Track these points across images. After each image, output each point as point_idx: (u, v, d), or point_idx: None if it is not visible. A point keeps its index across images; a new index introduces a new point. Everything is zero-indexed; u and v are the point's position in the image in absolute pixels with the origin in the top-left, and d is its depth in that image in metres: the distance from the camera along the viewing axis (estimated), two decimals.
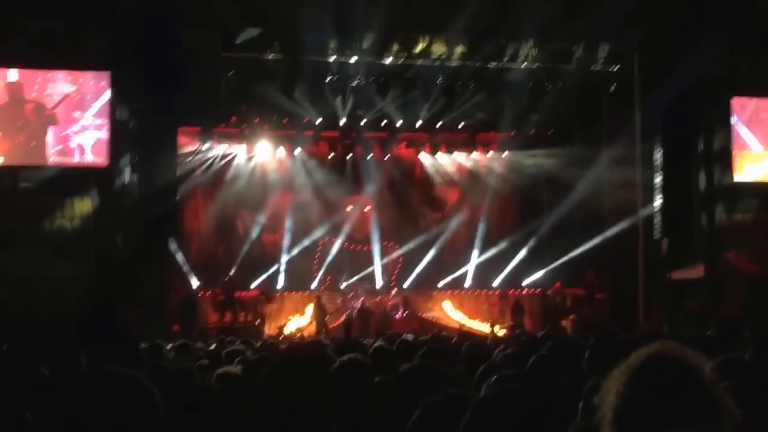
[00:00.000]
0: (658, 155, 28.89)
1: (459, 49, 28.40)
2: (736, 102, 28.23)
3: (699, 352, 2.99)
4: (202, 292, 28.77)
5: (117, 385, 2.99)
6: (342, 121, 30.48)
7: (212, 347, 13.53)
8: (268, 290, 29.57)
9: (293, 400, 4.26)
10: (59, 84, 24.99)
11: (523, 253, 31.78)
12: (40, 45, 24.10)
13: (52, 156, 24.76)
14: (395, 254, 32.17)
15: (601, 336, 6.22)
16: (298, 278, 31.01)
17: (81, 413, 2.89)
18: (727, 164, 28.28)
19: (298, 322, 28.64)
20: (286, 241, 31.08)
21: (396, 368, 7.20)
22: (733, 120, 28.11)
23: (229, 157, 30.95)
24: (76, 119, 24.86)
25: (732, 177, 28.19)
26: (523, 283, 31.99)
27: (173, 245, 27.97)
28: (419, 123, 30.97)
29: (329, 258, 31.48)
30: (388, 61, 28.37)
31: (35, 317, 19.72)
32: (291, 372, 4.39)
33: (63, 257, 24.00)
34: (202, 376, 7.21)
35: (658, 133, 28.51)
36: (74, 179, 24.99)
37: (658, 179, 28.97)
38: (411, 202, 33.11)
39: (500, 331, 26.24)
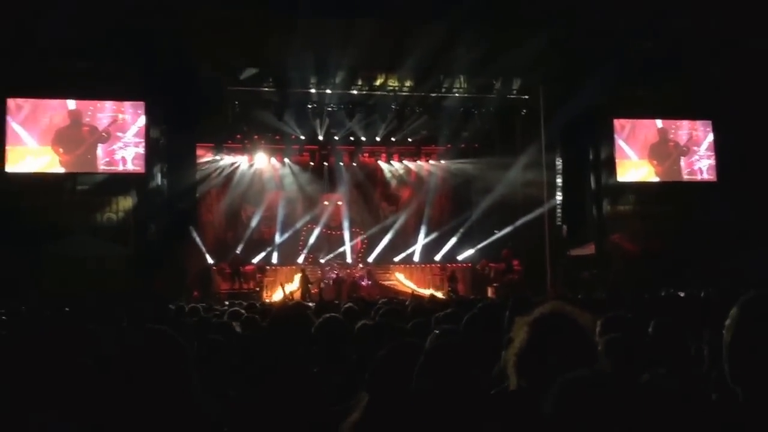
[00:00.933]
0: (558, 161, 29.15)
1: (408, 83, 28.71)
2: (617, 122, 28.54)
3: (582, 310, 3.06)
4: (215, 267, 28.75)
5: (153, 337, 3.01)
6: (320, 137, 30.57)
7: (225, 308, 13.10)
8: (263, 265, 29.71)
9: (283, 349, 4.51)
10: (107, 111, 25.01)
11: (457, 235, 31.83)
12: (90, 80, 24.07)
13: (102, 166, 24.80)
14: (361, 237, 32.31)
15: (517, 298, 6.00)
16: (288, 256, 31.01)
17: (126, 361, 2.91)
18: (611, 169, 28.56)
19: (289, 288, 28.69)
20: (278, 227, 31.15)
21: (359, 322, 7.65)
22: (615, 136, 28.45)
23: (235, 165, 31.05)
24: (120, 138, 24.82)
25: (615, 178, 28.49)
26: (458, 259, 31.99)
27: (193, 232, 28.14)
28: (378, 138, 31.12)
29: (311, 240, 31.56)
30: (355, 92, 28.61)
31: (89, 288, 20.14)
32: (280, 327, 4.69)
33: (110, 242, 24.30)
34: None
35: (559, 145, 28.61)
36: (118, 183, 24.99)
37: (559, 180, 29.26)
38: (373, 198, 33.20)
39: (440, 295, 26.62)
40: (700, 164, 29.15)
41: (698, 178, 29.07)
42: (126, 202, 25.21)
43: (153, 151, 25.57)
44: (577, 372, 2.20)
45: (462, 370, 2.93)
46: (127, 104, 25.21)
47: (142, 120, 25.14)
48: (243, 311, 9.72)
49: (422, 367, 2.97)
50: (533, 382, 2.86)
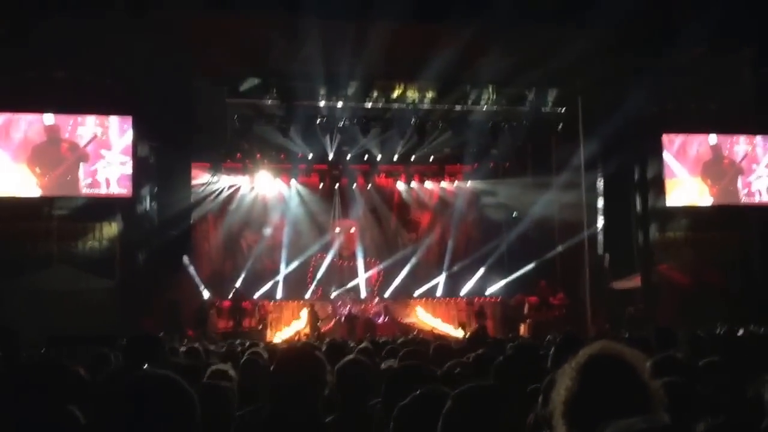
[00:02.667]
0: (600, 182, 29.00)
1: (429, 95, 28.70)
2: (666, 137, 28.42)
3: (636, 350, 3.04)
4: (212, 302, 28.54)
5: (155, 385, 2.87)
6: (330, 156, 30.60)
7: (223, 349, 13.14)
8: (266, 301, 29.69)
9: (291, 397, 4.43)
10: (89, 126, 24.82)
11: (485, 266, 31.79)
12: (70, 92, 23.95)
13: (84, 188, 24.52)
14: (377, 268, 32.22)
15: (566, 337, 6.19)
16: (294, 289, 30.89)
17: (130, 411, 2.78)
18: (659, 190, 28.25)
19: (295, 326, 28.70)
20: (283, 257, 30.97)
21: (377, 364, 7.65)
22: (664, 152, 28.18)
23: (234, 187, 31.03)
24: (103, 156, 24.63)
25: (664, 201, 28.17)
26: (486, 293, 31.94)
27: (187, 262, 27.98)
28: (396, 157, 31.19)
29: (320, 272, 31.48)
30: (369, 105, 28.59)
31: (69, 327, 20.06)
32: (287, 371, 4.63)
33: (92, 274, 24.03)
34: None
35: (600, 164, 28.38)
36: (102, 207, 24.80)
37: (600, 203, 29.13)
38: (390, 224, 33.16)
39: (464, 333, 26.55)
40: (759, 184, 28.96)
41: (756, 200, 28.86)
42: (111, 229, 25.09)
43: (141, 171, 25.40)
44: (630, 421, 2.18)
45: (493, 420, 2.95)
46: (112, 118, 25.04)
47: (129, 136, 24.89)
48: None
49: (448, 417, 2.96)
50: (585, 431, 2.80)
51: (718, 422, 2.96)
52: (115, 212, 25.20)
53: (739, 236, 28.07)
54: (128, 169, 24.90)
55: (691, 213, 28.79)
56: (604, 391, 2.83)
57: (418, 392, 3.56)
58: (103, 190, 24.86)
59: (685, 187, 28.48)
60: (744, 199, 28.87)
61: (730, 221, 28.30)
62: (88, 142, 24.70)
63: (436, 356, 7.52)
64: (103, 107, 24.84)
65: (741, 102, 27.81)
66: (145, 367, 5.48)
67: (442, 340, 15.79)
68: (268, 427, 4.17)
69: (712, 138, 28.84)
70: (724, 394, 4.74)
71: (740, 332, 15.25)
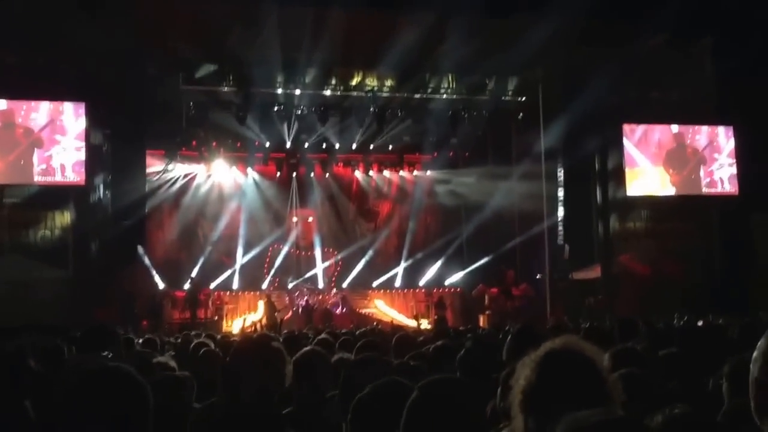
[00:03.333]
0: (560, 172, 29.18)
1: (388, 82, 28.72)
2: (627, 127, 28.66)
3: (595, 345, 3.06)
4: (167, 292, 28.51)
5: (111, 379, 2.86)
6: (288, 144, 30.59)
7: (179, 340, 13.26)
8: (222, 291, 29.68)
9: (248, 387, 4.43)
10: (43, 112, 24.79)
11: (444, 257, 31.91)
12: (23, 78, 23.79)
13: (37, 175, 24.48)
14: (334, 259, 32.21)
15: (521, 329, 5.96)
16: (251, 280, 30.91)
17: (82, 404, 2.77)
18: (619, 180, 28.63)
19: (252, 317, 28.60)
20: (239, 247, 30.97)
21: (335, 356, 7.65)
22: (624, 142, 28.50)
23: (190, 176, 30.93)
24: (58, 141, 24.59)
25: (624, 191, 28.55)
26: (446, 283, 32.09)
27: (142, 252, 27.81)
28: (354, 145, 31.10)
29: (277, 262, 31.48)
30: (328, 92, 28.56)
31: (20, 317, 19.84)
32: (244, 362, 4.75)
33: (45, 264, 23.99)
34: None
35: (560, 154, 28.61)
36: (55, 196, 24.74)
37: (560, 193, 29.29)
38: (348, 214, 33.19)
39: (425, 325, 26.65)
40: (721, 174, 29.26)
41: (718, 190, 29.17)
42: (63, 218, 25.06)
43: (95, 159, 25.40)
44: (585, 414, 2.20)
45: (460, 413, 2.95)
46: (66, 104, 24.96)
47: (82, 122, 24.89)
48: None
49: (412, 409, 2.97)
50: (541, 423, 2.84)
51: (676, 413, 3.01)
52: (68, 201, 25.17)
53: (700, 227, 28.41)
54: (82, 156, 24.86)
55: (652, 204, 29.23)
56: (562, 384, 2.87)
57: (377, 384, 3.54)
58: (57, 177, 24.84)
59: (647, 176, 28.88)
60: (706, 189, 29.19)
61: (690, 212, 28.68)
62: (42, 128, 24.57)
63: (397, 347, 7.49)
64: (56, 93, 24.69)
65: (702, 92, 28.08)
66: (99, 359, 5.44)
67: (401, 330, 15.82)
68: (225, 419, 4.15)
69: (675, 126, 29.10)
70: (684, 385, 4.76)
71: (699, 323, 15.43)
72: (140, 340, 11.46)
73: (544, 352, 2.97)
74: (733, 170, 29.22)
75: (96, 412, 2.74)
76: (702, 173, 29.28)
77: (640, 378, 4.26)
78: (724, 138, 29.50)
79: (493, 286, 29.79)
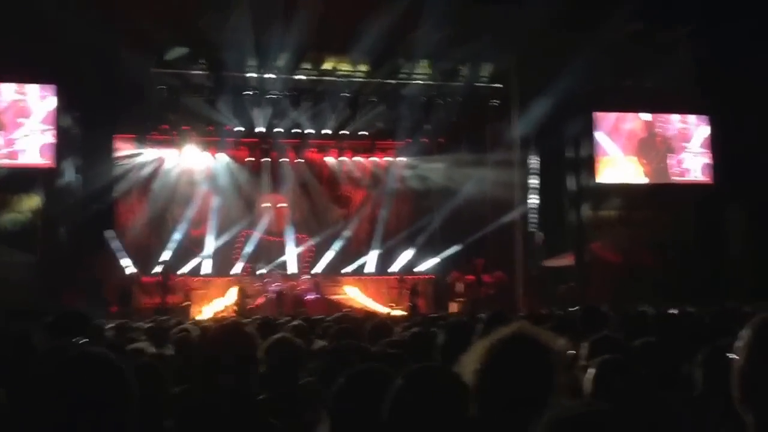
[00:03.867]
0: (533, 160, 29.24)
1: (362, 67, 28.78)
2: (599, 115, 28.81)
3: (550, 331, 3.14)
4: (136, 277, 28.51)
5: (87, 364, 2.81)
6: (259, 129, 30.38)
7: (149, 326, 13.43)
8: (191, 277, 29.77)
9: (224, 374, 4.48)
10: (5, 92, 24.65)
11: (417, 244, 31.92)
12: None
13: (2, 158, 24.42)
14: (306, 245, 32.16)
15: (493, 315, 6.28)
16: (222, 266, 30.89)
17: (60, 391, 2.72)
18: (591, 168, 28.74)
19: (223, 303, 28.65)
20: (210, 233, 30.91)
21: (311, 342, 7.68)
22: (596, 131, 28.72)
23: (160, 160, 30.75)
24: (22, 124, 24.57)
25: (595, 179, 28.80)
26: (417, 270, 32.15)
27: (110, 236, 27.80)
28: (327, 131, 31.06)
29: (248, 247, 31.41)
30: (301, 77, 28.58)
31: None
32: (220, 349, 4.82)
33: (11, 248, 23.91)
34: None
35: (533, 141, 28.65)
36: (23, 179, 24.59)
37: (533, 181, 29.37)
38: (320, 200, 33.04)
39: (397, 311, 26.78)
40: (690, 163, 29.44)
41: (686, 178, 29.35)
42: (31, 201, 24.91)
43: (64, 142, 25.24)
44: (569, 406, 2.22)
45: (443, 399, 2.96)
46: (30, 86, 24.71)
47: (50, 104, 24.72)
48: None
49: (397, 396, 2.98)
50: (488, 411, 2.92)
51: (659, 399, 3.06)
52: (36, 184, 25.03)
53: (673, 216, 28.55)
54: (49, 138, 24.70)
55: (625, 192, 29.33)
56: (509, 368, 2.93)
57: (356, 370, 3.57)
58: (22, 161, 24.47)
59: (619, 165, 29.05)
60: (675, 178, 29.32)
61: (663, 200, 28.83)
62: (5, 110, 24.27)
63: (373, 334, 7.48)
64: (24, 74, 24.49)
65: (678, 80, 28.18)
66: (75, 345, 5.42)
67: (374, 317, 15.84)
68: (202, 405, 4.18)
69: (646, 116, 29.25)
70: (658, 373, 4.81)
71: (674, 311, 15.57)
72: (108, 326, 11.34)
73: (495, 338, 3.04)
74: (705, 160, 29.42)
75: (75, 399, 2.70)
76: (670, 162, 29.43)
77: (619, 364, 4.31)
78: (696, 126, 29.67)
79: (468, 274, 29.86)
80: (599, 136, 28.57)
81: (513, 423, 2.71)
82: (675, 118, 29.66)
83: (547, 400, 2.75)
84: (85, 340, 5.96)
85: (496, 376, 2.93)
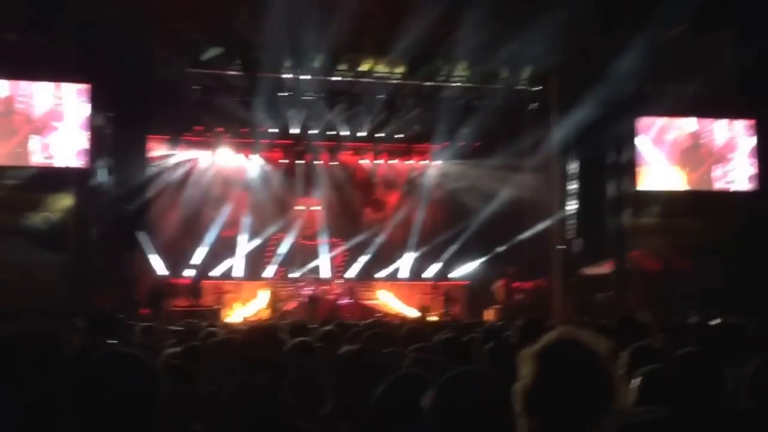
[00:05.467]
0: (572, 165, 29.01)
1: (399, 69, 28.60)
2: (642, 121, 28.54)
3: (593, 334, 3.04)
4: (167, 279, 28.62)
5: (118, 364, 2.87)
6: (294, 131, 30.52)
7: (181, 328, 12.71)
8: (223, 280, 29.88)
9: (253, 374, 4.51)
10: (44, 96, 24.81)
11: (452, 249, 31.84)
12: (25, 58, 23.74)
13: (38, 159, 24.44)
14: (340, 249, 32.26)
15: (527, 323, 6.44)
16: (254, 269, 31.00)
17: (91, 390, 2.78)
18: (632, 175, 28.35)
19: (255, 306, 28.72)
20: (243, 235, 31.03)
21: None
22: (639, 137, 28.38)
23: (193, 162, 31.03)
24: (58, 127, 24.72)
25: (636, 186, 28.42)
26: (452, 276, 32.10)
27: (143, 238, 27.81)
28: (362, 134, 31.15)
29: (281, 251, 31.48)
30: (336, 78, 28.58)
31: (18, 301, 19.89)
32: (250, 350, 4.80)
33: (43, 248, 24.00)
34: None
35: (573, 146, 28.44)
36: (56, 179, 24.58)
37: (572, 186, 29.14)
38: (354, 204, 33.09)
39: (431, 317, 26.71)
40: (738, 173, 29.07)
41: (732, 188, 29.00)
42: (64, 202, 24.91)
43: (97, 143, 25.25)
44: (635, 413, 2.17)
45: (485, 408, 2.93)
46: (68, 87, 24.81)
47: (85, 106, 24.78)
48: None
49: (436, 403, 2.95)
50: (546, 424, 2.83)
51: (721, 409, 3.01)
52: (69, 184, 25.08)
53: (715, 223, 28.24)
54: (84, 140, 24.75)
55: (666, 199, 28.84)
56: (563, 379, 2.84)
57: (393, 377, 3.52)
58: (56, 163, 24.63)
59: (661, 173, 28.59)
60: (721, 187, 28.96)
61: (705, 209, 28.46)
62: (43, 114, 24.50)
63: (408, 340, 7.46)
64: (58, 74, 24.60)
65: (721, 85, 27.89)
66: (109, 346, 5.44)
67: (409, 322, 15.82)
68: (232, 407, 4.16)
69: (692, 124, 28.94)
70: (704, 385, 4.73)
71: (715, 322, 15.41)
72: (138, 327, 11.39)
73: (540, 346, 2.95)
74: (752, 170, 29.00)
75: (107, 399, 2.74)
76: (718, 172, 29.05)
77: (664, 375, 4.23)
78: (744, 134, 29.24)
79: (503, 279, 29.74)
80: (641, 142, 28.23)
81: None
82: (721, 127, 29.23)
83: (606, 407, 2.74)
84: (115, 342, 6.00)
85: (548, 386, 2.84)
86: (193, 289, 27.78)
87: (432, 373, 3.29)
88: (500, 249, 30.56)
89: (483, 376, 3.13)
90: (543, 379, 2.84)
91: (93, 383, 2.80)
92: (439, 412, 2.93)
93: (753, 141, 28.97)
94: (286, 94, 28.79)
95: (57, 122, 24.64)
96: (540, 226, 28.80)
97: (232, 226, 31.23)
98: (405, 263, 32.49)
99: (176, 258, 29.83)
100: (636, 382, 4.20)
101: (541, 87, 29.18)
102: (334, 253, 32.19)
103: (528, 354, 2.94)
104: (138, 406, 2.77)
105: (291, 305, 28.71)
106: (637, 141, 28.16)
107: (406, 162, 33.44)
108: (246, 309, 28.40)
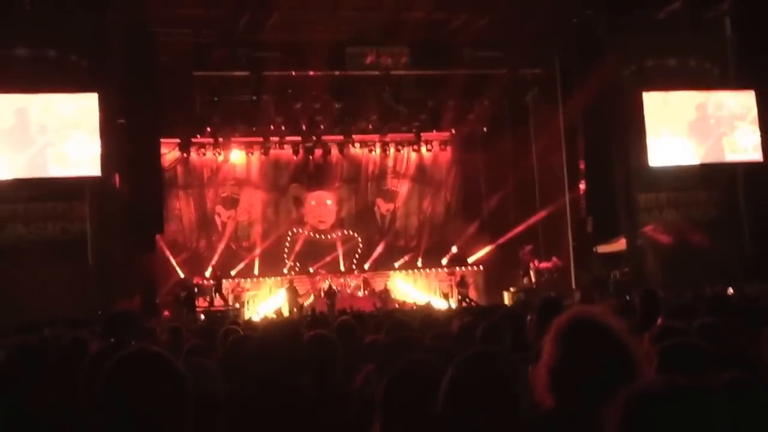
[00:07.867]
0: (580, 144, 28.86)
1: (403, 60, 28.30)
2: (646, 95, 28.42)
3: (608, 310, 3.10)
4: (187, 281, 28.57)
5: (145, 363, 2.81)
6: (303, 127, 30.50)
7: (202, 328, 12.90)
8: (242, 278, 29.98)
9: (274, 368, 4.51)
10: (57, 106, 24.89)
11: (466, 234, 31.97)
12: (36, 70, 23.55)
13: (53, 171, 24.62)
14: (355, 240, 32.41)
15: (545, 303, 6.35)
16: (271, 265, 31.09)
17: (115, 389, 2.73)
18: (641, 150, 28.53)
19: (274, 303, 28.84)
20: (258, 233, 31.26)
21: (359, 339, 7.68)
22: (645, 111, 28.35)
23: (206, 163, 31.10)
24: (72, 136, 24.77)
25: (647, 161, 28.19)
26: (468, 261, 32.19)
27: (161, 242, 27.73)
28: (371, 125, 31.19)
29: (297, 246, 31.64)
30: (342, 72, 28.35)
31: (41, 311, 19.98)
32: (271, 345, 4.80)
33: (64, 257, 24.19)
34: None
35: (580, 125, 28.32)
36: (72, 188, 24.65)
37: (581, 165, 28.96)
38: (366, 195, 33.26)
39: (447, 304, 26.80)
40: (746, 141, 28.92)
41: (743, 157, 28.85)
42: (81, 210, 25.00)
43: (110, 150, 25.27)
44: (643, 384, 2.16)
45: (500, 389, 2.91)
46: (79, 97, 24.85)
47: (96, 113, 24.80)
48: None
49: (450, 386, 2.95)
50: (570, 401, 2.86)
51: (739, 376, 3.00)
52: (85, 193, 25.03)
53: (725, 195, 28.16)
54: (97, 148, 24.74)
55: (675, 173, 28.70)
56: (585, 358, 2.85)
57: (406, 362, 3.49)
58: (73, 172, 24.65)
59: (669, 146, 28.41)
60: (730, 157, 28.82)
61: (715, 180, 28.41)
62: (58, 125, 24.50)
63: (424, 327, 7.56)
64: (69, 85, 24.60)
65: (722, 57, 27.82)
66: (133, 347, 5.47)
67: (425, 311, 15.86)
68: (255, 405, 4.18)
69: (696, 96, 28.77)
70: (722, 354, 4.73)
71: (729, 291, 15.39)
72: (162, 329, 11.41)
73: (558, 326, 2.97)
74: (758, 138, 28.85)
75: (132, 398, 2.70)
76: (726, 142, 28.92)
77: (683, 347, 4.21)
78: (747, 104, 29.11)
79: (521, 260, 29.89)
80: (648, 116, 28.12)
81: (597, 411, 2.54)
82: (728, 96, 29.10)
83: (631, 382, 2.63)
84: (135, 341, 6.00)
85: (572, 364, 2.87)
86: (212, 289, 27.82)
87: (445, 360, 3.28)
88: (514, 230, 30.49)
89: (497, 357, 3.13)
90: (567, 357, 2.87)
91: (116, 382, 2.76)
92: (453, 392, 2.93)
93: (755, 110, 28.82)
94: (294, 90, 28.72)
95: (72, 132, 24.68)
96: (552, 207, 28.66)
97: (248, 224, 31.47)
98: (420, 251, 32.53)
99: (194, 259, 30.08)
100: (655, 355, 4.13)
101: (544, 69, 28.94)
102: (348, 245, 32.25)
103: (549, 337, 2.97)
104: (163, 405, 2.73)
105: (309, 299, 28.75)
106: (645, 116, 27.99)
107: (416, 151, 33.39)
108: (265, 305, 28.44)
